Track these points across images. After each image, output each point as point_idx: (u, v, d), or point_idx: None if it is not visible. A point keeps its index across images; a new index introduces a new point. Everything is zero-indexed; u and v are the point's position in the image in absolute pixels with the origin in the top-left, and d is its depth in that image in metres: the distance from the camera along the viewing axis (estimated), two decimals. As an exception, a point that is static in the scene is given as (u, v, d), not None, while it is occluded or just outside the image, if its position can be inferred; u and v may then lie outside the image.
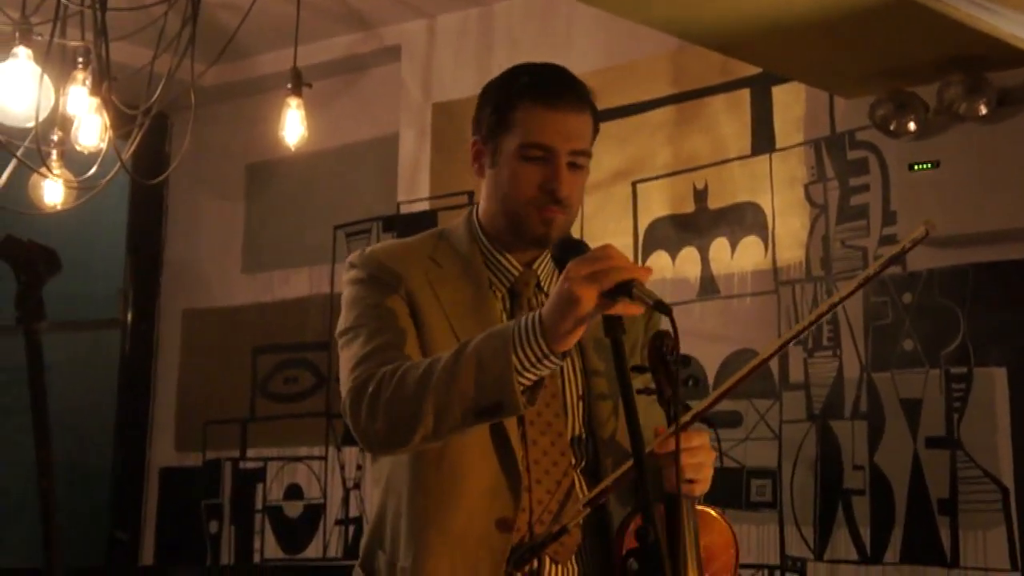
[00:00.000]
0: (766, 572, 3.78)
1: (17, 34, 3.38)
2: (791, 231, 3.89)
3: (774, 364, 3.86)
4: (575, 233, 2.14)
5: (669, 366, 2.08)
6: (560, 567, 2.02)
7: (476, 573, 1.97)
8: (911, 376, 3.60)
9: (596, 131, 2.11)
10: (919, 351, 3.60)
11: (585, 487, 2.04)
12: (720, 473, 3.81)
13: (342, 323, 2.08)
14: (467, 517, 1.97)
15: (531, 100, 2.03)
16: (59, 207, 3.75)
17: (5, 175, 3.30)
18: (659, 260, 4.11)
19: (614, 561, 2.01)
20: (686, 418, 2.02)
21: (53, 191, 3.76)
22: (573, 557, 2.03)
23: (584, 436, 2.05)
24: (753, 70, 3.92)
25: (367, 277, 2.07)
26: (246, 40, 4.64)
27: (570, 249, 1.92)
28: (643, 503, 1.78)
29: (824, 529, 3.69)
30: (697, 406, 2.04)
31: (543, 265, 2.12)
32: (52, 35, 3.40)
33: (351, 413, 1.96)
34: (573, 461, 2.03)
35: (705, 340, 3.96)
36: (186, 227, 5.60)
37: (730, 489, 3.85)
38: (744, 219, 3.99)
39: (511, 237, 2.09)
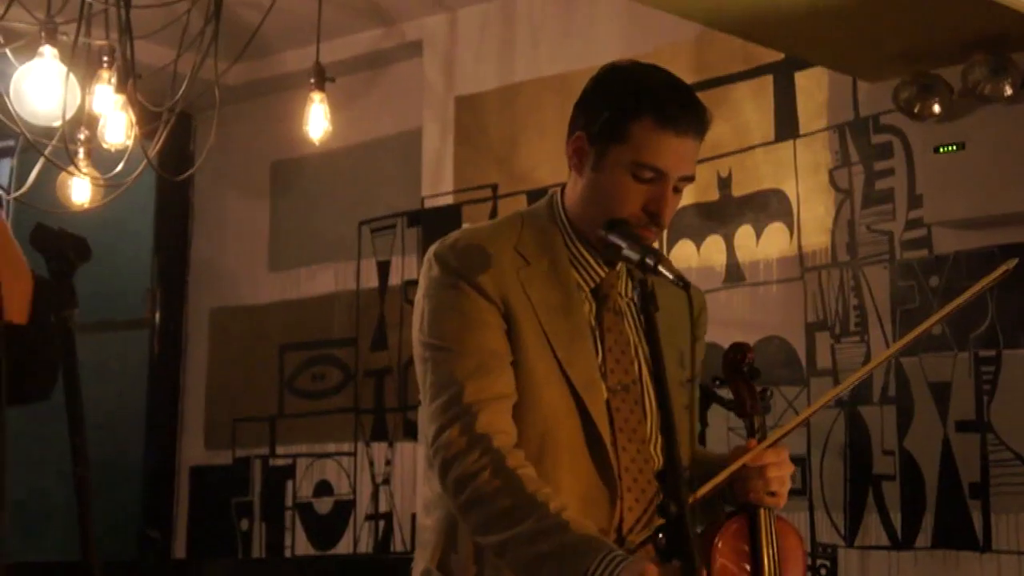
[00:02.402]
0: (797, 559, 3.77)
1: (43, 34, 3.41)
2: (816, 217, 3.88)
3: (801, 350, 3.86)
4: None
5: (747, 378, 2.12)
6: None
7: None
8: (940, 360, 3.59)
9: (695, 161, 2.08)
10: (947, 334, 3.59)
11: (661, 495, 2.00)
12: (749, 461, 3.83)
13: (429, 332, 2.01)
14: None
15: (655, 119, 1.97)
16: (87, 206, 3.78)
17: (33, 174, 3.34)
18: (684, 249, 4.10)
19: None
20: (779, 435, 2.05)
21: (81, 190, 3.79)
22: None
23: (659, 443, 2.04)
24: (775, 56, 3.91)
25: (456, 281, 2.00)
26: (269, 37, 4.67)
27: (615, 227, 1.95)
28: (671, 484, 1.79)
29: (855, 515, 3.68)
30: (787, 425, 2.06)
31: (625, 269, 2.09)
32: (77, 34, 3.42)
33: (439, 475, 1.96)
34: (657, 468, 2.02)
35: (732, 328, 3.95)
36: (212, 226, 5.63)
37: (759, 476, 3.84)
38: (769, 206, 3.98)
39: (600, 239, 2.04)
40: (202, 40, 3.67)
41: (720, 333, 3.99)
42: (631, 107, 1.99)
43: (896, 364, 3.67)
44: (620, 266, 2.08)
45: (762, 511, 2.04)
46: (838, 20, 3.28)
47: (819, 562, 3.73)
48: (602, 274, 2.07)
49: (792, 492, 3.76)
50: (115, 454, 5.43)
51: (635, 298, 2.00)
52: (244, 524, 5.26)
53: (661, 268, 1.85)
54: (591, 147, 2.03)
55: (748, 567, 2.04)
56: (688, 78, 4.13)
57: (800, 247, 3.90)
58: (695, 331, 2.17)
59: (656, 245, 1.97)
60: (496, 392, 1.96)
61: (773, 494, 2.03)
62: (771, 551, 2.04)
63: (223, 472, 5.35)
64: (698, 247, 4.10)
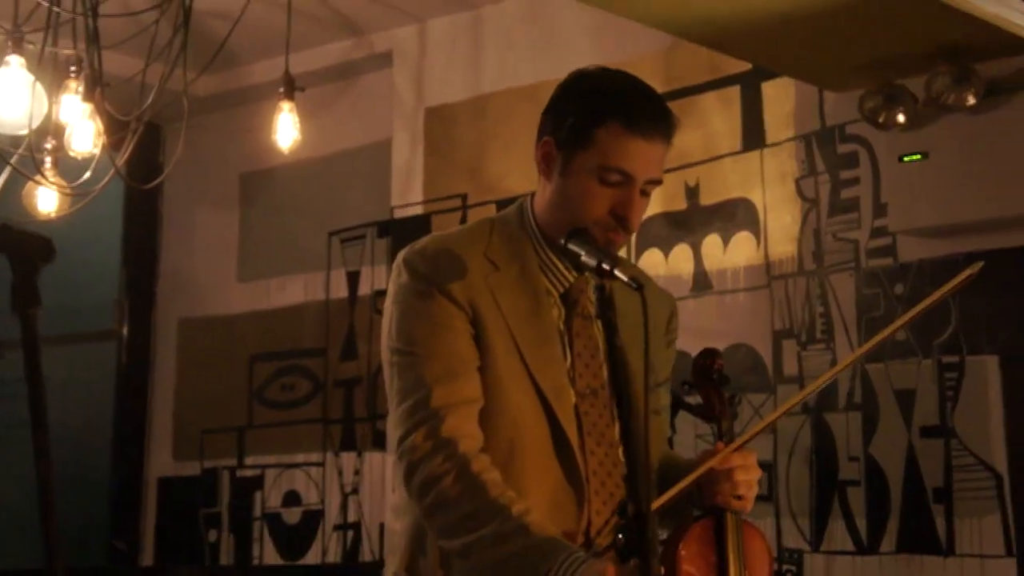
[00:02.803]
0: (764, 566, 3.79)
1: (9, 43, 3.40)
2: (783, 226, 3.91)
3: (768, 358, 3.89)
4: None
5: (716, 384, 2.14)
6: None
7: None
8: (904, 366, 3.62)
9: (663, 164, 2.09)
10: (912, 341, 3.62)
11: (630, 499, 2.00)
12: (717, 468, 3.85)
13: (397, 337, 2.01)
14: None
15: (622, 124, 1.97)
16: (53, 215, 3.77)
17: (0, 181, 3.33)
18: (652, 257, 4.13)
19: (664, 569, 2.01)
20: (746, 439, 2.06)
21: (47, 199, 3.78)
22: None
23: (623, 447, 2.03)
24: (743, 67, 3.95)
25: (425, 287, 2.00)
26: (238, 49, 4.67)
27: (574, 235, 1.96)
28: (632, 486, 1.81)
29: (820, 521, 3.71)
30: (753, 428, 2.09)
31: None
32: (44, 43, 3.42)
33: (404, 478, 1.96)
34: (623, 471, 2.02)
35: (699, 336, 3.95)
36: (181, 237, 5.62)
37: (727, 484, 3.86)
38: (736, 215, 4.01)
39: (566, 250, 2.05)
40: (170, 51, 3.67)
41: (688, 341, 4.01)
42: (598, 112, 1.99)
43: (862, 371, 3.70)
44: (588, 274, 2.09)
45: (729, 515, 2.05)
46: (804, 31, 3.31)
47: (785, 567, 3.75)
48: (571, 279, 2.08)
49: (758, 498, 3.76)
50: (82, 465, 5.40)
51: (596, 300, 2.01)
52: (212, 535, 5.24)
53: (617, 272, 1.86)
54: (559, 152, 2.04)
55: (714, 571, 2.05)
56: (657, 88, 4.16)
57: (767, 256, 3.93)
58: (665, 336, 2.20)
59: (624, 251, 1.97)
60: (463, 397, 1.96)
61: (740, 498, 2.04)
62: (737, 554, 2.05)
63: (191, 483, 5.33)
64: (666, 256, 4.13)
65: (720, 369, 2.19)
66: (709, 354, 2.20)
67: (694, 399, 2.21)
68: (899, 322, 2.14)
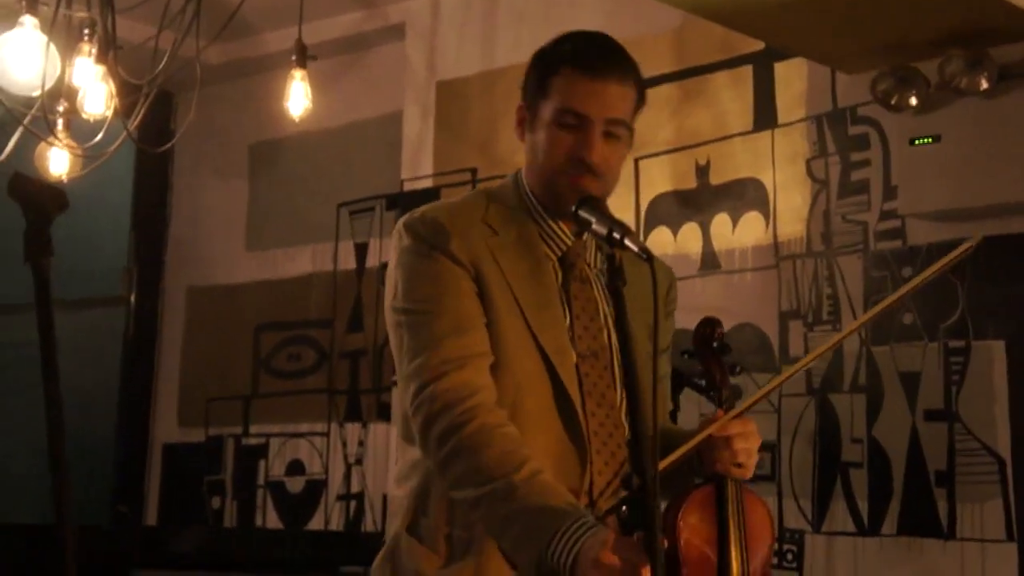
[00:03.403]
0: (765, 545, 3.81)
1: (24, 4, 3.40)
2: (792, 206, 3.91)
3: (774, 338, 3.89)
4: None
5: (717, 353, 2.14)
6: None
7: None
8: (910, 349, 3.62)
9: (640, 104, 2.11)
10: (918, 325, 3.62)
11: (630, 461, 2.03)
12: (720, 446, 3.86)
13: (404, 297, 2.04)
14: None
15: (571, 66, 2.03)
16: (65, 178, 3.77)
17: (12, 142, 3.34)
18: (661, 236, 4.13)
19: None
20: (746, 406, 2.07)
21: (59, 161, 3.79)
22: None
23: (627, 408, 2.02)
24: (755, 46, 3.94)
25: (428, 249, 2.03)
26: (250, 17, 4.66)
27: (584, 203, 1.95)
28: (636, 458, 1.81)
29: (822, 502, 3.71)
30: (754, 396, 2.08)
31: (591, 237, 2.10)
32: (58, 5, 3.42)
33: (421, 430, 1.98)
34: (625, 433, 2.03)
35: (706, 314, 3.97)
36: (190, 205, 5.63)
37: (729, 462, 3.87)
38: (745, 195, 4.01)
39: (553, 204, 2.09)
40: (183, 17, 3.67)
41: (694, 319, 4.02)
42: (553, 62, 2.06)
43: (867, 353, 3.70)
44: (587, 236, 2.11)
45: (729, 482, 2.06)
46: (818, 11, 3.30)
47: (786, 547, 3.76)
48: (568, 243, 2.10)
49: (761, 478, 3.82)
50: (88, 430, 5.42)
51: (603, 269, 2.03)
52: (216, 502, 5.27)
53: (627, 241, 1.87)
54: (528, 112, 2.11)
55: (714, 537, 2.05)
56: (669, 67, 4.20)
57: (775, 236, 3.93)
58: (665, 307, 2.20)
59: (632, 226, 1.98)
60: (475, 351, 1.98)
61: (740, 465, 2.05)
62: (737, 522, 2.05)
63: (196, 450, 5.36)
64: (675, 234, 4.13)
65: (720, 338, 2.20)
66: (709, 323, 2.21)
67: (695, 368, 2.21)
68: (900, 292, 2.13)
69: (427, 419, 1.97)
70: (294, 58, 4.00)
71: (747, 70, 4.05)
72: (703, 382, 2.18)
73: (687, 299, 3.99)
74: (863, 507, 3.64)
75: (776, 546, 3.78)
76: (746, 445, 2.05)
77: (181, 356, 5.52)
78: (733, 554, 2.03)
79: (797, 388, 3.81)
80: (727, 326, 3.94)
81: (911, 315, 3.64)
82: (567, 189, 2.03)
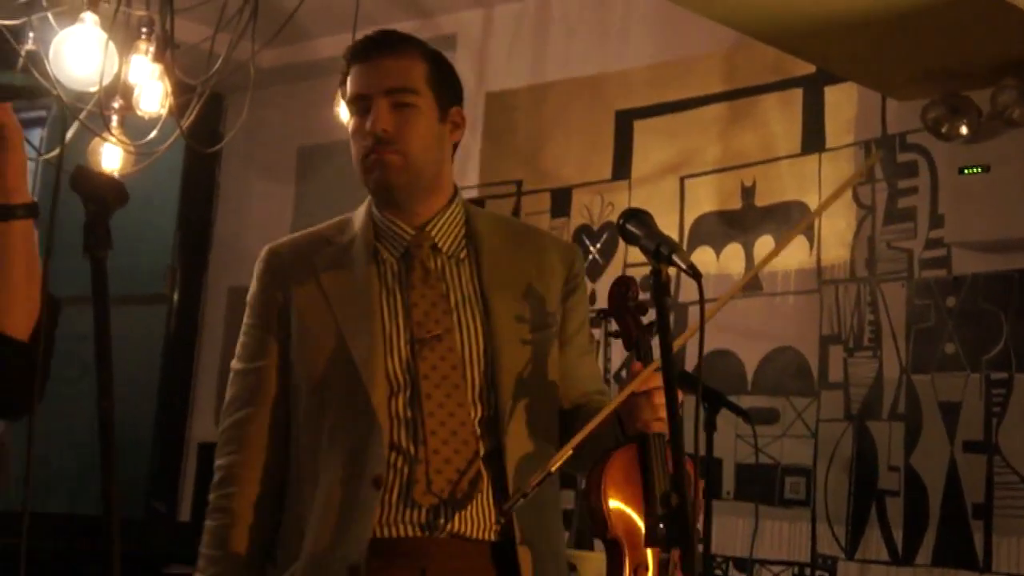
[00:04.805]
0: (796, 569, 3.79)
1: (86, 1, 3.45)
2: (837, 231, 3.90)
3: (814, 362, 3.88)
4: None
5: (634, 312, 2.15)
6: (460, 513, 2.03)
7: (346, 524, 2.00)
8: (951, 379, 3.60)
9: (436, 71, 2.13)
10: (960, 355, 3.60)
11: (485, 436, 2.05)
12: (755, 469, 3.86)
13: (239, 344, 2.19)
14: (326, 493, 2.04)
15: (348, 62, 2.13)
16: (117, 173, 3.81)
17: (68, 135, 3.38)
18: (704, 255, 4.13)
19: (590, 510, 2.05)
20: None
21: (112, 156, 3.83)
22: (478, 504, 2.04)
23: (484, 387, 2.07)
24: (806, 70, 3.94)
25: (254, 288, 2.17)
26: (305, 23, 4.71)
27: (633, 217, 1.96)
28: (677, 477, 1.81)
29: (856, 529, 3.70)
30: (680, 340, 2.07)
31: (438, 226, 2.13)
32: (118, 3, 3.47)
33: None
34: (473, 413, 2.05)
35: (746, 336, 3.98)
36: (236, 206, 5.68)
37: (764, 485, 3.86)
38: (791, 218, 4.00)
39: (379, 200, 2.13)
40: (239, 20, 3.71)
41: (735, 341, 4.04)
42: (343, 72, 2.14)
43: (907, 381, 3.68)
44: (431, 225, 2.13)
45: (652, 438, 2.05)
46: (871, 36, 3.30)
47: (818, 573, 3.74)
48: (408, 237, 2.12)
49: (795, 502, 3.81)
50: (126, 426, 5.45)
51: (459, 253, 2.12)
52: (249, 502, 5.28)
53: (675, 258, 1.87)
54: None
55: (640, 495, 2.05)
56: (718, 87, 4.21)
57: (819, 260, 3.92)
58: (567, 284, 2.20)
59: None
60: (243, 432, 2.14)
61: (662, 419, 2.04)
62: (662, 476, 2.04)
63: (231, 450, 5.38)
64: (717, 254, 4.12)
65: (636, 297, 2.19)
66: (624, 282, 2.20)
67: (611, 327, 2.22)
68: (793, 233, 2.12)
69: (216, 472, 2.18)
70: (346, 64, 4.02)
71: (797, 93, 4.05)
72: (621, 339, 2.18)
73: (728, 320, 4.03)
74: (898, 536, 3.62)
75: (808, 572, 3.77)
76: (663, 400, 2.01)
77: (221, 356, 5.55)
78: (659, 509, 2.04)
79: (835, 414, 3.80)
80: (766, 349, 3.99)
81: (953, 345, 3.62)
82: (369, 167, 2.08)
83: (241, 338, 2.17)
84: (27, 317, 1.65)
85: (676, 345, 1.91)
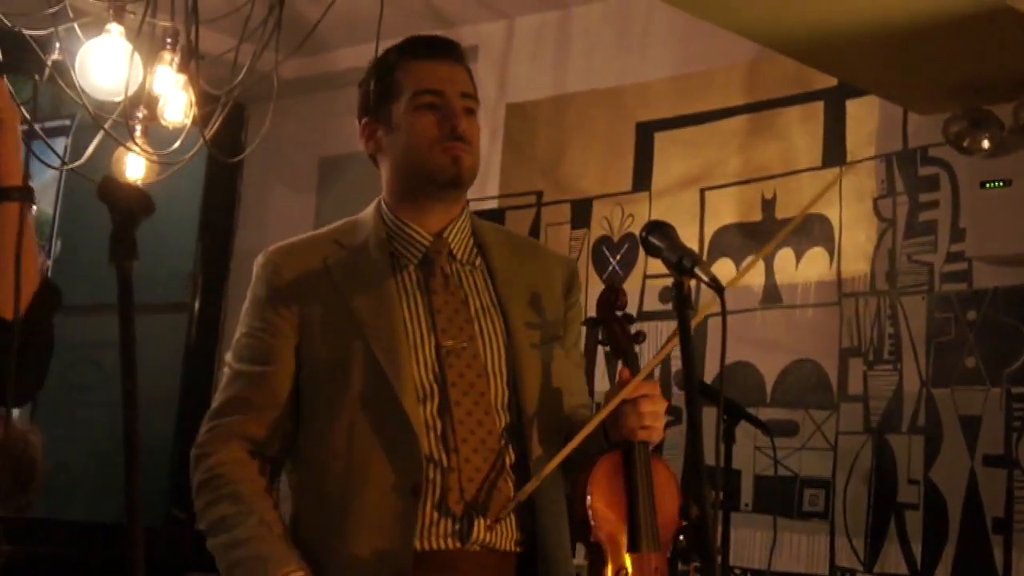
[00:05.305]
0: (815, 582, 3.79)
1: (111, 12, 3.49)
2: (857, 244, 3.90)
3: (833, 375, 3.87)
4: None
5: (621, 320, 2.18)
6: (487, 525, 2.03)
7: (388, 532, 1.99)
8: (971, 393, 3.60)
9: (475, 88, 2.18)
10: (981, 368, 3.59)
11: (510, 444, 2.06)
12: (773, 481, 3.85)
13: (233, 347, 2.16)
14: (375, 500, 2.01)
15: (410, 57, 2.13)
16: (140, 182, 3.85)
17: (92, 145, 3.42)
18: (724, 267, 4.13)
19: (574, 514, 2.07)
20: (653, 364, 2.12)
21: (135, 166, 3.87)
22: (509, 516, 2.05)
23: (508, 396, 2.08)
24: (828, 82, 3.94)
25: (259, 291, 2.14)
26: (327, 34, 4.73)
27: (656, 229, 1.97)
28: (694, 486, 1.82)
29: (875, 542, 3.69)
30: (660, 353, 2.16)
31: (455, 233, 2.14)
32: (144, 14, 3.50)
33: (191, 464, 2.17)
34: (499, 422, 2.06)
35: (765, 349, 3.98)
36: (258, 216, 5.70)
37: (783, 497, 3.86)
38: (811, 230, 4.00)
39: (422, 196, 2.12)
40: (263, 31, 3.74)
41: (755, 353, 4.04)
42: (389, 64, 2.14)
43: (927, 395, 3.68)
44: (447, 232, 2.14)
45: (637, 446, 2.07)
46: (893, 50, 3.30)
47: (837, 586, 3.74)
48: (426, 243, 2.12)
49: (814, 515, 3.80)
50: (146, 434, 5.47)
51: (474, 260, 2.14)
52: (268, 510, 5.30)
53: (697, 270, 1.89)
54: (378, 120, 2.15)
55: (624, 501, 2.07)
56: (740, 99, 4.21)
57: (839, 273, 3.92)
58: (566, 299, 2.23)
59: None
60: (245, 432, 2.12)
61: (647, 428, 2.06)
62: (646, 486, 2.07)
63: (251, 458, 5.39)
64: (737, 266, 4.13)
65: (623, 306, 2.21)
66: (613, 290, 2.22)
67: (600, 335, 2.22)
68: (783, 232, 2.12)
69: (192, 460, 2.17)
70: (369, 75, 4.05)
71: (818, 106, 4.05)
72: (610, 347, 2.19)
73: (747, 332, 4.03)
74: (917, 550, 3.61)
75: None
76: (653, 407, 2.05)
77: (241, 364, 5.58)
78: (642, 515, 2.06)
79: (855, 426, 3.79)
80: (787, 361, 3.99)
81: (973, 359, 3.61)
82: (445, 160, 2.08)
83: (244, 339, 2.13)
84: (10, 297, 1.63)
85: (655, 361, 1.95)
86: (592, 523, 2.05)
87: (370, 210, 2.19)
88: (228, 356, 2.17)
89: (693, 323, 1.90)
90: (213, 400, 2.15)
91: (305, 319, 2.08)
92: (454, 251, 2.14)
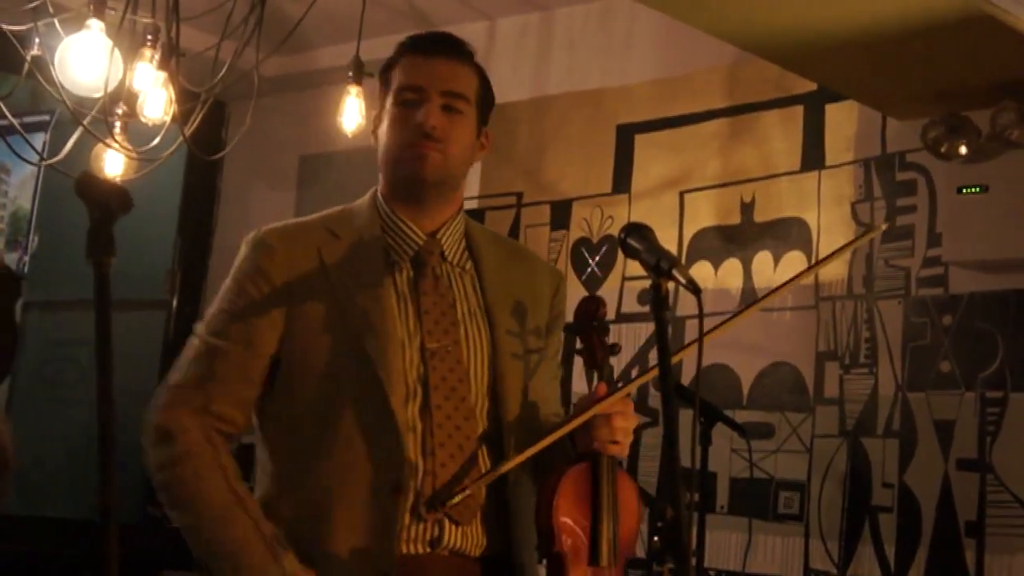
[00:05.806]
0: (789, 584, 3.80)
1: (91, 7, 3.47)
2: (834, 248, 3.91)
3: (809, 378, 3.89)
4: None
5: (599, 331, 2.18)
6: (461, 529, 2.03)
7: (371, 533, 1.98)
8: (946, 397, 3.62)
9: (483, 88, 2.16)
10: (956, 373, 3.62)
11: (486, 452, 2.06)
12: (749, 483, 3.87)
13: (213, 304, 2.13)
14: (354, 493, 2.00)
15: (408, 52, 2.14)
16: (119, 179, 3.83)
17: (71, 141, 3.40)
18: (702, 270, 4.14)
19: (538, 522, 2.06)
20: (631, 387, 2.13)
21: (114, 162, 3.85)
22: (476, 521, 2.05)
23: (488, 402, 2.08)
24: (808, 87, 3.96)
25: (248, 269, 2.10)
26: (309, 32, 4.73)
27: (634, 231, 1.97)
28: (672, 490, 1.83)
29: (849, 545, 3.71)
30: (641, 378, 2.18)
31: (448, 234, 2.14)
32: (124, 10, 3.49)
33: (147, 444, 2.09)
34: (479, 426, 2.06)
35: (743, 351, 4.00)
36: (237, 214, 5.69)
37: (758, 500, 3.88)
38: (789, 234, 4.02)
39: (403, 193, 2.12)
40: (245, 28, 3.73)
41: (732, 356, 4.05)
42: (393, 59, 2.16)
43: (903, 399, 3.70)
44: (441, 233, 2.14)
45: (604, 459, 2.08)
46: (872, 55, 3.33)
47: (811, 588, 3.75)
48: (419, 242, 2.12)
49: (789, 517, 3.82)
50: (123, 431, 5.45)
51: (464, 264, 2.13)
52: (245, 509, 5.29)
53: (675, 272, 1.89)
54: (380, 116, 2.16)
55: (588, 512, 2.07)
56: (720, 102, 4.23)
57: (816, 277, 3.94)
58: (551, 309, 2.23)
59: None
60: (216, 410, 2.08)
61: (617, 443, 2.07)
62: (611, 500, 2.08)
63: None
64: (716, 269, 4.14)
65: (602, 317, 2.21)
66: (593, 300, 2.22)
67: (577, 345, 2.23)
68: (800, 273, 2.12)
69: (152, 438, 2.09)
70: (350, 74, 4.05)
71: (798, 110, 4.07)
72: (585, 358, 2.19)
73: (725, 334, 4.02)
74: (890, 552, 3.64)
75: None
76: (625, 424, 2.07)
77: (219, 362, 5.56)
78: (604, 529, 2.07)
79: (830, 430, 3.81)
80: (764, 364, 4.00)
81: (949, 363, 3.63)
82: (409, 158, 2.08)
83: (224, 315, 2.08)
84: None
85: (638, 383, 1.95)
86: (556, 534, 2.04)
87: (366, 200, 2.18)
88: (200, 327, 2.11)
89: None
90: (176, 367, 2.10)
91: (296, 308, 2.06)
92: (446, 253, 2.14)
